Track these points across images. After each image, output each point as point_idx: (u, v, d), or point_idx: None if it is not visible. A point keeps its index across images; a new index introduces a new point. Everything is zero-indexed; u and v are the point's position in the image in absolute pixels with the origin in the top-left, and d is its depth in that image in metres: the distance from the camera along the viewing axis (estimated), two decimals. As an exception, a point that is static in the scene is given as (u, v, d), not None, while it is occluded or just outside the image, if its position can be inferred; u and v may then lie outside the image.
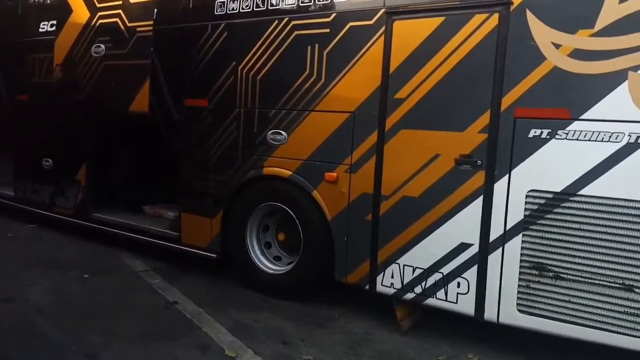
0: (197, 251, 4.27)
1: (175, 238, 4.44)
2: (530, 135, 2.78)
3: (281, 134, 3.75)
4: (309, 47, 3.58)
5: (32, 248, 4.79)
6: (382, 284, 3.36)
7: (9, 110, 5.77)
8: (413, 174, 3.19)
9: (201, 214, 4.22)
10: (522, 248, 2.84)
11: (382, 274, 3.36)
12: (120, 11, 4.22)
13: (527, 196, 2.82)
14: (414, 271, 3.22)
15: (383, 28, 3.26)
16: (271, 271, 3.95)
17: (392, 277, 3.31)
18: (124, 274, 4.22)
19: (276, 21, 3.74)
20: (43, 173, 5.45)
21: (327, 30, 3.50)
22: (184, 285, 4.00)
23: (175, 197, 5.50)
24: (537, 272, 2.82)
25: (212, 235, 4.18)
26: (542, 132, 2.75)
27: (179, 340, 3.05)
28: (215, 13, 4.06)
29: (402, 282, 3.27)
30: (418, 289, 3.22)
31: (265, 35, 3.79)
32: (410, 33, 3.17)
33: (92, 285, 3.91)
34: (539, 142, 2.76)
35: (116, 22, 4.24)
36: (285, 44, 3.70)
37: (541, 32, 2.74)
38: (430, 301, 3.18)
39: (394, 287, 3.31)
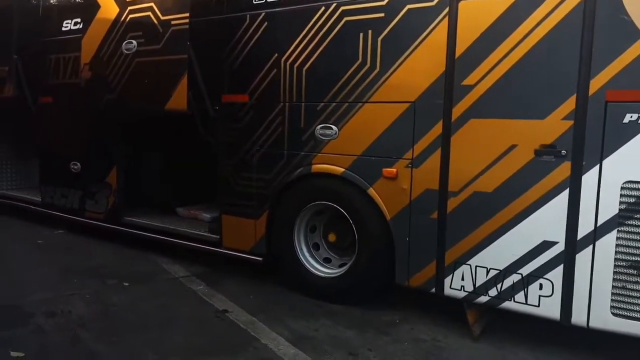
0: (240, 255, 4.04)
1: (215, 241, 4.22)
2: (626, 120, 2.51)
3: (331, 128, 3.50)
4: (361, 34, 3.33)
5: (65, 255, 4.60)
6: (450, 287, 3.11)
7: (34, 113, 5.58)
8: (485, 168, 2.93)
9: (244, 216, 3.99)
10: (617, 245, 2.58)
11: (450, 276, 3.10)
12: (152, 4, 3.98)
13: (622, 188, 2.55)
14: (487, 272, 2.97)
15: (447, 9, 2.99)
16: (323, 274, 3.71)
17: (463, 279, 3.06)
18: (165, 281, 4.01)
19: (322, 8, 3.48)
20: (71, 177, 5.27)
21: (382, 14, 3.24)
22: (230, 291, 3.77)
23: (208, 197, 5.36)
24: (635, 272, 2.55)
25: (256, 237, 3.95)
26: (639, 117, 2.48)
27: (239, 354, 2.83)
28: (254, 2, 3.82)
29: (474, 285, 3.02)
30: (493, 292, 2.96)
31: (311, 23, 3.53)
32: (479, 13, 2.90)
33: (134, 294, 3.69)
34: (636, 128, 2.49)
35: (148, 15, 4.00)
36: (334, 32, 3.45)
37: (637, 6, 2.47)
38: (508, 304, 2.93)
39: (464, 290, 3.06)
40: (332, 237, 3.76)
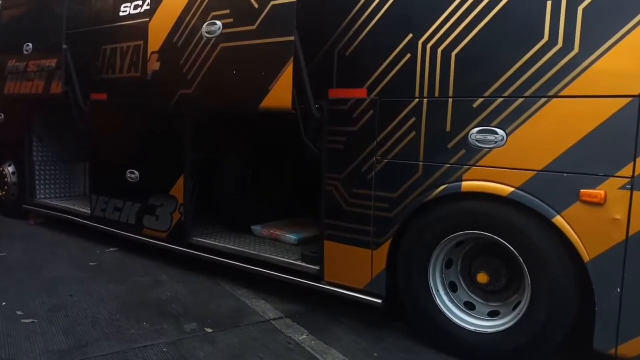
0: (349, 294, 3.16)
1: (314, 274, 3.36)
2: None
3: (495, 132, 2.59)
4: (549, 3, 2.40)
5: (125, 283, 3.79)
6: (693, 364, 2.16)
7: (84, 113, 4.82)
8: None
9: (357, 244, 3.11)
10: None
11: (694, 348, 2.16)
12: (244, -27, 3.15)
13: None
14: None
15: None
16: (471, 327, 2.79)
17: None
18: (255, 326, 3.14)
19: (485, -32, 2.58)
20: (127, 187, 4.48)
21: (585, -28, 2.32)
22: (345, 345, 2.89)
23: (287, 212, 4.54)
24: None
25: (373, 273, 3.06)
26: None
27: None
28: (381, -36, 2.94)
29: None
30: None
31: (466, -10, 2.64)
32: None
33: (223, 347, 2.84)
34: None
35: (239, -12, 3.17)
36: (504, 1, 2.53)
37: None
38: None
39: None
40: (482, 278, 2.83)
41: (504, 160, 2.56)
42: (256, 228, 4.24)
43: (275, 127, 3.96)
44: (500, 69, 2.55)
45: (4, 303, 3.28)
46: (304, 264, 3.45)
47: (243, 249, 3.81)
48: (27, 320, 3.04)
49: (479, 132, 2.63)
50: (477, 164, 2.64)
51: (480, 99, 2.62)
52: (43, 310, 3.22)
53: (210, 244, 3.99)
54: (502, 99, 2.55)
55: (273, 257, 3.62)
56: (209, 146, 4.28)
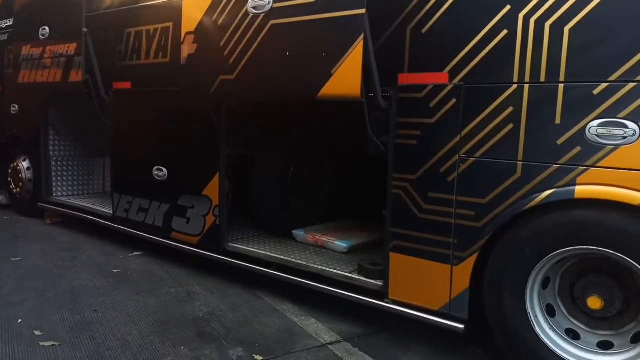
0: (424, 316, 2.68)
1: (375, 290, 2.88)
2: None
3: (625, 126, 2.08)
4: None
5: (154, 295, 3.36)
6: None
7: (106, 103, 4.38)
8: None
9: (432, 258, 2.63)
10: None
11: None
12: None
13: None
14: None
15: None
16: (585, 365, 2.30)
17: None
18: (312, 352, 2.68)
19: None
20: (153, 186, 4.05)
21: None
22: (424, 381, 2.43)
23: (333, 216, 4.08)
24: None
25: (452, 292, 2.58)
26: None
27: None
28: None
29: None
30: None
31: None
32: None
33: (278, 380, 2.39)
34: None
35: (293, -46, 2.68)
36: (639, -39, 2.03)
37: None
38: None
39: None
40: (595, 303, 2.32)
41: (635, 161, 2.06)
42: (299, 233, 3.77)
43: (320, 117, 3.49)
44: (632, 46, 2.04)
45: (19, 321, 2.86)
46: (364, 279, 2.97)
47: (288, 258, 3.35)
48: (47, 344, 2.60)
49: (601, 125, 2.12)
50: (598, 164, 2.14)
51: (604, 85, 2.11)
52: (64, 329, 2.78)
53: (249, 250, 3.54)
54: (634, 83, 2.05)
55: (325, 269, 3.15)
56: (245, 140, 3.83)
